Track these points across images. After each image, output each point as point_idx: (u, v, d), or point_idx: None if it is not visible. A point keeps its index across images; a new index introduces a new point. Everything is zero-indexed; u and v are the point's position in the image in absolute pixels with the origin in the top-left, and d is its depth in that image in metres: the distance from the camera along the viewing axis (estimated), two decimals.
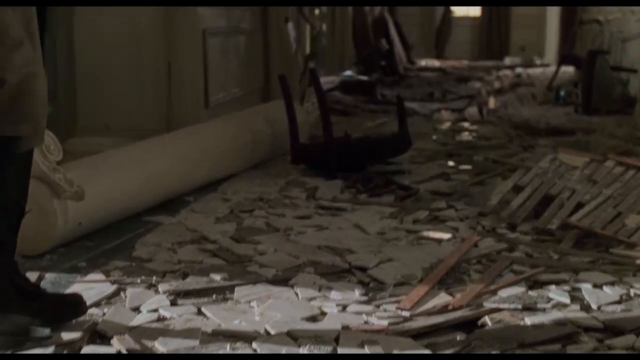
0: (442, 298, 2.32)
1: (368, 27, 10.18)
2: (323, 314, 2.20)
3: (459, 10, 14.40)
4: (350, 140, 4.16)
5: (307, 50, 6.93)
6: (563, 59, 8.68)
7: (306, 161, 4.16)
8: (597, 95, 6.61)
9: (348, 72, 8.71)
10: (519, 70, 11.39)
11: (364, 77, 8.45)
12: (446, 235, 2.99)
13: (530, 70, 11.35)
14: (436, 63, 12.67)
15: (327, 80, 7.79)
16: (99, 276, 2.49)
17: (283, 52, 5.71)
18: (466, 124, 6.14)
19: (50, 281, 2.42)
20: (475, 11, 14.46)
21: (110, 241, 2.85)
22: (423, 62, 12.52)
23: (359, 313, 2.20)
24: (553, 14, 12.43)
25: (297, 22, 6.35)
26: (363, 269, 2.61)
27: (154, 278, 2.45)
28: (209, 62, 4.52)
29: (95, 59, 4.14)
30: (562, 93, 7.41)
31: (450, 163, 4.45)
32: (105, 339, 1.98)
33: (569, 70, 9.06)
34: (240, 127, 4.11)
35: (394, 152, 4.23)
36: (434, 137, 5.47)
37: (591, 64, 6.59)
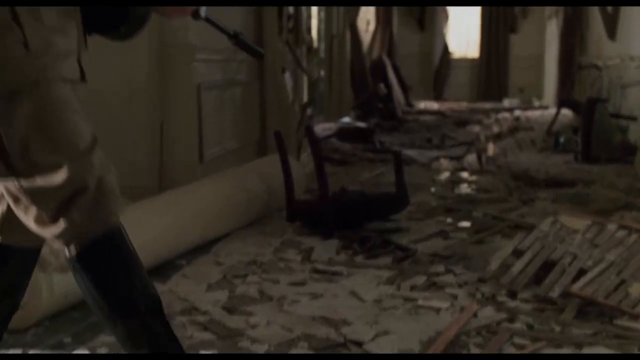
0: None
1: (366, 71, 10.17)
2: None
3: (457, 52, 14.42)
4: (346, 197, 4.09)
5: (305, 98, 6.88)
6: (562, 104, 8.65)
7: (302, 218, 4.09)
8: (597, 143, 6.56)
9: (346, 119, 8.67)
10: (517, 113, 11.36)
11: (362, 124, 8.41)
12: (445, 304, 2.91)
13: (529, 113, 11.31)
14: (435, 105, 12.65)
15: (325, 127, 7.75)
16: (85, 352, 2.41)
17: (280, 102, 5.66)
18: (465, 174, 6.07)
19: None
20: (473, 53, 14.48)
21: None
22: (422, 105, 12.50)
23: None
24: (551, 56, 12.42)
25: (295, 71, 6.31)
26: (358, 343, 2.52)
27: None
28: (203, 116, 4.46)
29: (88, 116, 4.07)
30: (561, 140, 7.36)
31: (449, 220, 4.36)
32: None
33: (568, 114, 9.02)
34: (235, 186, 4.04)
35: (391, 210, 4.16)
36: (433, 189, 5.39)
37: (591, 112, 6.54)
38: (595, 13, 9.18)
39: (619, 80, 7.78)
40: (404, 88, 11.70)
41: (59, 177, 1.62)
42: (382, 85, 9.88)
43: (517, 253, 3.23)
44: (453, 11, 14.21)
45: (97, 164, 1.68)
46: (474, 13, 14.29)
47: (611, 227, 3.23)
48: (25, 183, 1.63)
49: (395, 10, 12.95)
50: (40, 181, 1.62)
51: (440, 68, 14.22)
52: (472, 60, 14.46)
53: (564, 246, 3.19)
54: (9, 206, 1.73)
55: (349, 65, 9.47)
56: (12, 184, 1.65)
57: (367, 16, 11.08)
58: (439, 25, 14.11)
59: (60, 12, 1.68)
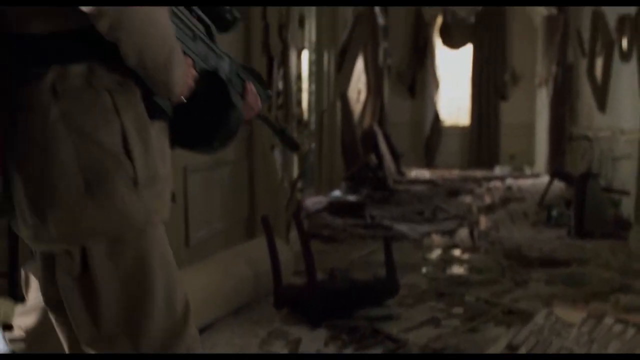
0: None
1: (357, 141, 10.15)
2: None
3: (448, 120, 14.46)
4: (334, 284, 3.99)
5: (295, 173, 6.82)
6: (554, 175, 8.61)
7: (290, 304, 3.98)
8: (590, 218, 6.50)
9: (337, 192, 8.60)
10: (509, 181, 11.34)
11: (352, 198, 8.34)
12: None
13: (521, 182, 11.29)
14: (426, 174, 12.63)
15: (315, 201, 7.67)
16: None
17: (269, 180, 5.59)
18: (457, 252, 5.97)
19: None
20: (464, 120, 14.51)
21: None
22: (413, 173, 12.48)
23: None
24: (542, 124, 12.46)
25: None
26: None
27: None
28: (189, 199, 4.38)
29: None
30: (554, 213, 7.29)
31: (441, 305, 4.25)
32: None
33: (559, 184, 8.98)
34: (221, 273, 3.93)
35: (381, 297, 4.06)
36: (424, 269, 5.29)
37: (583, 187, 6.49)
38: (585, 84, 9.21)
39: (610, 153, 7.76)
40: (395, 156, 11.68)
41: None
42: (373, 156, 9.85)
43: (511, 348, 3.13)
44: (443, 79, 14.29)
45: (189, 335, 1.58)
46: (465, 81, 14.37)
47: (608, 320, 3.13)
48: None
49: (386, 79, 13.01)
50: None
51: (432, 135, 14.23)
52: (463, 128, 14.48)
53: (559, 341, 3.09)
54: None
55: (339, 137, 9.44)
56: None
57: (358, 86, 11.11)
58: (429, 93, 14.17)
59: (161, 129, 1.58)
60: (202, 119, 1.67)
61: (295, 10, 7.08)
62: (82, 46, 1.45)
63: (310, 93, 8.40)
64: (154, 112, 1.53)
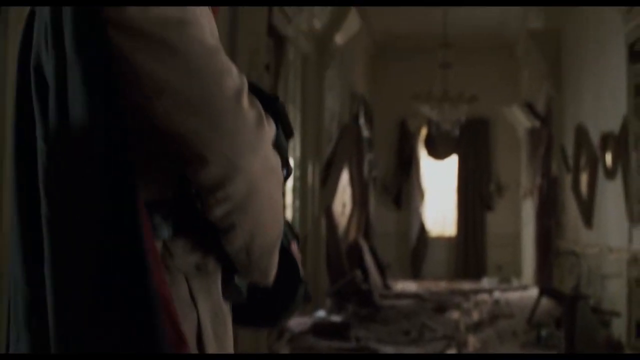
0: None
1: (342, 255, 10.02)
2: None
3: (434, 230, 14.39)
4: None
5: None
6: (542, 292, 8.48)
7: None
8: (580, 340, 6.33)
9: (321, 312, 8.40)
10: (497, 294, 11.17)
11: (337, 318, 8.14)
12: None
13: (509, 295, 11.13)
14: (413, 286, 12.44)
15: (299, 322, 7.47)
16: None
17: None
18: None
19: None
20: (450, 231, 14.46)
21: None
22: (399, 286, 12.29)
23: None
24: (529, 234, 12.40)
25: None
26: None
27: None
28: None
29: None
30: (543, 333, 7.13)
31: None
32: None
33: (548, 301, 8.84)
34: None
35: None
36: None
37: (572, 309, 6.35)
38: (570, 198, 9.18)
39: (598, 270, 7.65)
40: (381, 269, 11.54)
41: None
42: (359, 272, 9.70)
43: None
44: (429, 189, 14.30)
45: None
46: (450, 191, 14.39)
47: None
48: None
49: (371, 190, 12.99)
50: None
51: (418, 246, 14.13)
52: (449, 238, 14.41)
53: None
54: None
55: (324, 252, 9.31)
56: None
57: (343, 198, 11.05)
58: (415, 204, 14.15)
59: (228, 311, 1.39)
60: (271, 296, 1.47)
61: None
62: (160, 220, 1.27)
63: (294, 209, 8.32)
64: (229, 294, 1.37)
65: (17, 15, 2.94)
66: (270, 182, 1.27)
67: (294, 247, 1.50)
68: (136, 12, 1.17)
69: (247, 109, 1.22)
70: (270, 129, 1.27)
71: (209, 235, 1.29)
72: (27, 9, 1.37)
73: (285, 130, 1.34)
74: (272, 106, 1.32)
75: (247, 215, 1.25)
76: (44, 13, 1.26)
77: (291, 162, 8.13)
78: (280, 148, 1.31)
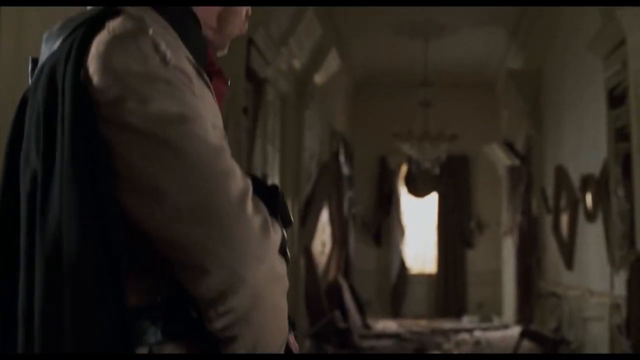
0: None
1: (322, 295, 9.90)
2: None
3: (414, 267, 14.31)
4: None
5: None
6: (523, 334, 8.40)
7: None
8: None
9: None
10: (477, 334, 11.08)
11: None
12: None
13: (490, 334, 11.04)
14: (393, 325, 12.32)
15: None
16: None
17: None
18: None
19: None
20: (430, 268, 14.38)
21: None
22: (380, 325, 12.16)
23: None
24: (509, 272, 12.33)
25: None
26: None
27: None
28: None
29: None
30: None
31: None
32: None
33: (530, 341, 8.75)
34: None
35: None
36: None
37: (554, 354, 6.28)
38: (550, 238, 9.14)
39: (579, 313, 7.58)
40: (361, 309, 11.43)
41: None
42: (338, 313, 9.59)
43: None
44: (409, 227, 14.25)
45: None
46: (430, 228, 14.34)
47: None
48: None
49: (351, 228, 12.91)
50: None
51: (398, 283, 14.03)
52: (430, 276, 14.33)
53: None
54: None
55: (303, 294, 9.20)
56: None
57: (322, 237, 10.96)
58: (395, 241, 14.07)
59: None
60: None
61: (256, 171, 7.00)
62: (149, 324, 1.19)
63: None
64: None
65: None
66: (275, 292, 1.21)
67: (292, 339, 1.40)
68: (134, 108, 1.11)
69: (252, 215, 1.16)
70: (276, 235, 1.20)
71: (205, 342, 1.21)
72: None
73: (284, 220, 1.28)
74: (272, 196, 1.25)
75: (250, 326, 1.18)
76: (37, 99, 1.18)
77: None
78: (283, 244, 1.25)
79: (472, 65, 12.40)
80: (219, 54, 1.43)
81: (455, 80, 12.88)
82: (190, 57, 1.22)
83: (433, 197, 14.13)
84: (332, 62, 9.44)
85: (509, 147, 11.56)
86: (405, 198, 14.22)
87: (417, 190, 13.96)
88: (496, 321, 12.65)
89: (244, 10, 1.41)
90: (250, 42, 5.88)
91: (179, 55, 1.18)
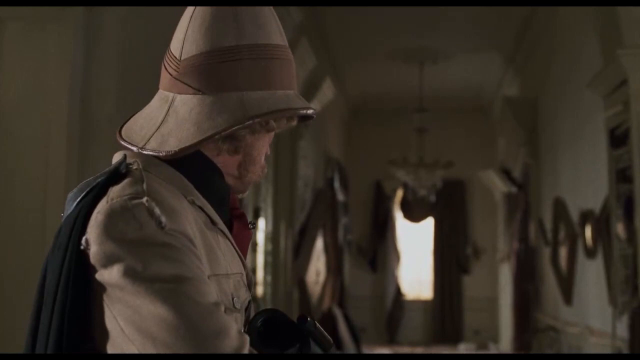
0: None
1: None
2: None
3: (410, 293, 14.14)
4: None
5: None
6: None
7: None
8: None
9: None
10: None
11: None
12: None
13: None
14: (388, 352, 12.15)
15: None
16: None
17: None
18: None
19: None
20: (426, 294, 14.21)
21: None
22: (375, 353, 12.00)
23: None
24: (506, 299, 12.18)
25: None
26: None
27: None
28: None
29: None
30: None
31: None
32: None
33: None
34: None
35: None
36: None
37: None
38: (548, 270, 8.98)
39: (578, 351, 7.42)
40: (356, 338, 11.24)
41: None
42: (332, 347, 9.41)
43: None
44: (405, 252, 14.09)
45: None
46: (426, 254, 14.18)
47: None
48: None
49: (346, 254, 12.76)
50: None
51: (393, 310, 13.86)
52: (426, 302, 14.16)
53: None
54: None
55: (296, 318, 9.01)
56: None
57: (317, 266, 10.80)
58: (391, 267, 13.91)
59: None
60: None
61: (249, 204, 6.85)
62: None
63: (265, 285, 8.04)
64: None
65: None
66: None
67: None
68: (130, 272, 1.16)
69: None
70: None
71: None
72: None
73: (322, 346, 1.37)
74: (303, 329, 1.34)
75: None
76: (54, 258, 1.26)
77: (261, 238, 7.89)
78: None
79: (468, 91, 12.29)
80: (240, 196, 1.48)
81: (450, 106, 12.77)
82: (202, 213, 1.30)
83: (429, 222, 13.99)
84: (327, 92, 9.31)
85: (506, 174, 11.42)
86: (401, 223, 14.07)
87: (413, 215, 13.81)
88: (493, 349, 12.48)
89: (263, 155, 1.45)
90: None
91: (178, 218, 1.22)
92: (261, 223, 7.79)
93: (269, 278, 8.10)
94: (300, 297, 9.31)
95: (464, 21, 8.89)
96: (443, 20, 8.86)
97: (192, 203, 1.30)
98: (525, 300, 10.70)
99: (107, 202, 1.22)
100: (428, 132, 11.34)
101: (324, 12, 8.39)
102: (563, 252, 8.27)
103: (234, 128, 1.30)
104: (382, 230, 13.87)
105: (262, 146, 1.43)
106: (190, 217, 1.25)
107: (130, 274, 1.16)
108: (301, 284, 9.42)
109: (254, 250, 7.40)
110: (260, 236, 7.80)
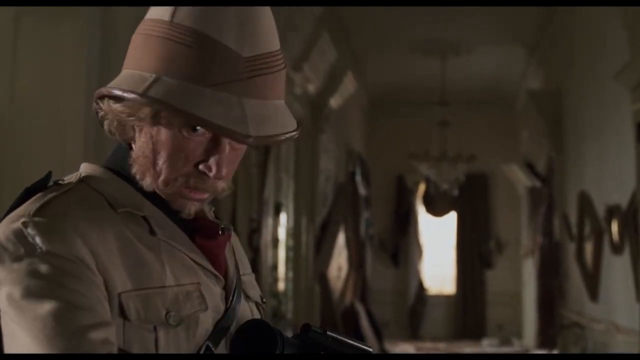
0: None
1: (337, 322, 9.67)
2: None
3: (433, 288, 14.04)
4: None
5: None
6: None
7: None
8: None
9: None
10: None
11: None
12: None
13: None
14: (411, 349, 12.06)
15: None
16: None
17: None
18: None
19: None
20: (449, 289, 14.11)
21: None
22: (397, 349, 11.91)
23: None
24: (530, 294, 12.07)
25: None
26: None
27: None
28: None
29: None
30: None
31: None
32: None
33: None
34: None
35: None
36: None
37: None
38: (573, 266, 8.85)
39: (605, 348, 7.30)
40: (378, 334, 11.18)
41: None
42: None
43: None
44: (427, 247, 13.99)
45: None
46: (449, 248, 14.07)
47: None
48: None
49: (368, 248, 12.69)
50: None
51: (416, 304, 13.77)
52: (448, 297, 14.06)
53: None
54: None
55: (319, 321, 8.97)
56: None
57: (338, 261, 10.73)
58: (413, 261, 13.82)
59: None
60: None
61: (270, 202, 6.80)
62: None
63: (287, 280, 7.99)
64: None
65: None
66: None
67: None
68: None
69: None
70: None
71: None
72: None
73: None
74: (307, 339, 1.24)
75: None
76: None
77: (283, 234, 7.83)
78: None
79: (490, 84, 12.15)
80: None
81: (472, 99, 12.63)
82: (145, 223, 1.23)
83: (451, 216, 13.88)
84: (348, 85, 9.23)
85: (529, 167, 11.28)
86: (423, 217, 13.96)
87: (435, 209, 13.70)
88: (517, 344, 12.37)
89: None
90: None
91: (61, 239, 1.15)
92: (282, 218, 7.73)
93: (291, 273, 8.05)
94: (322, 293, 9.25)
95: (486, 12, 8.76)
96: (464, 12, 8.74)
97: (130, 214, 1.22)
98: (549, 295, 10.57)
99: (6, 222, 1.18)
100: (450, 125, 11.23)
101: (344, 6, 8.31)
102: (588, 247, 8.14)
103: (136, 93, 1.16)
104: (404, 225, 13.77)
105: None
106: (105, 234, 1.18)
107: (9, 299, 1.13)
108: (323, 279, 9.36)
109: (275, 246, 7.35)
110: (282, 231, 7.75)
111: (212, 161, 1.20)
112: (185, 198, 1.24)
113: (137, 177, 1.23)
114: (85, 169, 1.28)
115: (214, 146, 1.20)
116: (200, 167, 1.21)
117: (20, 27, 3.61)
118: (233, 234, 1.42)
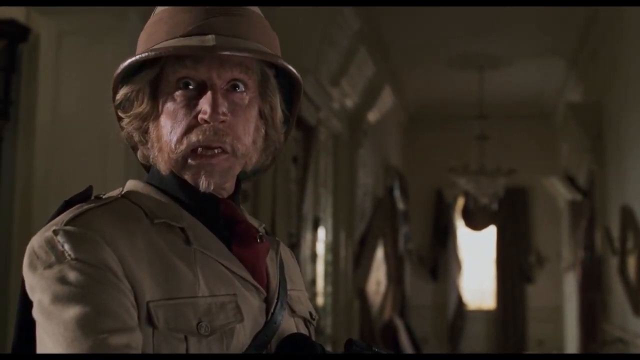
0: None
1: (376, 337, 9.63)
2: None
3: (472, 303, 13.93)
4: None
5: None
6: None
7: None
8: None
9: None
10: None
11: None
12: None
13: None
14: None
15: None
16: None
17: None
18: None
19: None
20: (489, 304, 13.98)
21: None
22: None
23: None
24: (572, 310, 11.91)
25: None
26: None
27: None
28: None
29: None
30: None
31: None
32: None
33: None
34: None
35: None
36: None
37: None
38: (616, 280, 8.72)
39: None
40: (418, 349, 11.10)
41: None
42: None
43: None
44: (466, 261, 13.89)
45: None
46: (488, 263, 13.96)
47: None
48: None
49: (407, 263, 12.63)
50: None
51: (455, 320, 13.66)
52: (488, 312, 13.93)
53: None
54: None
55: (358, 336, 8.93)
56: None
57: (377, 276, 10.68)
58: (452, 276, 13.72)
59: None
60: None
61: (308, 217, 6.80)
62: None
63: (325, 295, 7.98)
64: None
65: None
66: None
67: None
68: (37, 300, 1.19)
69: None
70: None
71: None
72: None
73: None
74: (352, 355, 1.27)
75: None
76: None
77: (321, 248, 7.83)
78: None
79: (529, 97, 12.06)
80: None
81: (511, 112, 12.54)
82: (181, 233, 1.26)
83: (491, 230, 13.76)
84: (386, 100, 9.22)
85: (570, 181, 11.16)
86: (462, 231, 13.87)
87: (475, 223, 13.60)
88: None
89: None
90: None
91: (90, 248, 1.18)
92: (321, 233, 7.74)
93: (330, 288, 8.04)
94: (361, 308, 9.22)
95: (524, 25, 8.71)
96: (503, 25, 8.70)
97: (168, 225, 1.25)
98: (591, 310, 10.42)
99: (41, 231, 1.23)
100: (489, 139, 11.16)
101: (382, 20, 8.32)
102: (632, 261, 8.02)
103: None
104: (443, 239, 13.69)
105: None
106: (136, 243, 1.20)
107: (39, 306, 1.17)
108: (362, 294, 9.33)
109: (314, 261, 7.35)
110: (320, 246, 7.75)
111: (203, 101, 1.26)
112: (198, 166, 1.27)
113: (158, 167, 1.31)
114: (128, 185, 1.35)
115: (203, 91, 1.27)
116: (199, 116, 1.26)
117: (63, 46, 3.68)
118: (288, 250, 1.44)
